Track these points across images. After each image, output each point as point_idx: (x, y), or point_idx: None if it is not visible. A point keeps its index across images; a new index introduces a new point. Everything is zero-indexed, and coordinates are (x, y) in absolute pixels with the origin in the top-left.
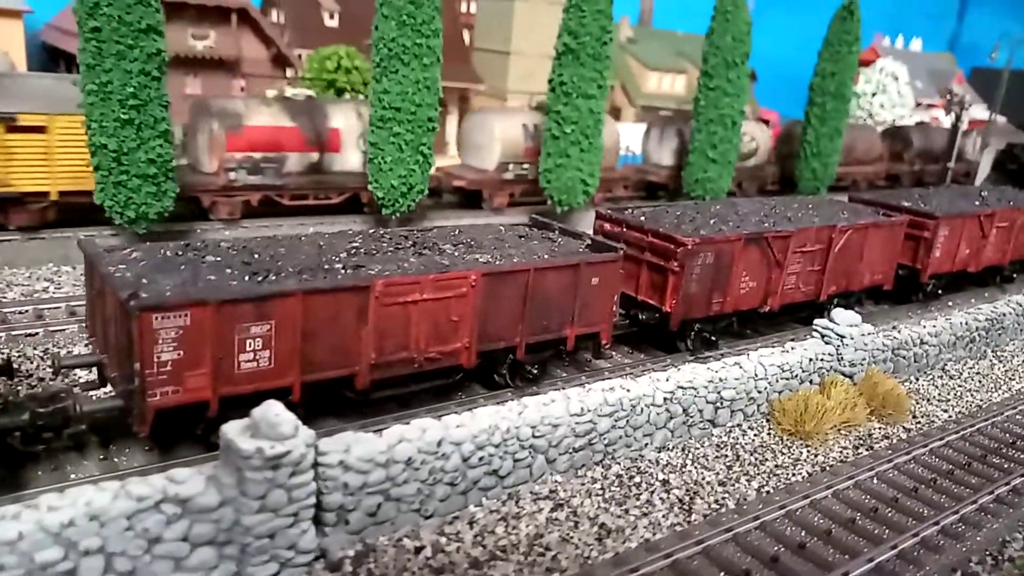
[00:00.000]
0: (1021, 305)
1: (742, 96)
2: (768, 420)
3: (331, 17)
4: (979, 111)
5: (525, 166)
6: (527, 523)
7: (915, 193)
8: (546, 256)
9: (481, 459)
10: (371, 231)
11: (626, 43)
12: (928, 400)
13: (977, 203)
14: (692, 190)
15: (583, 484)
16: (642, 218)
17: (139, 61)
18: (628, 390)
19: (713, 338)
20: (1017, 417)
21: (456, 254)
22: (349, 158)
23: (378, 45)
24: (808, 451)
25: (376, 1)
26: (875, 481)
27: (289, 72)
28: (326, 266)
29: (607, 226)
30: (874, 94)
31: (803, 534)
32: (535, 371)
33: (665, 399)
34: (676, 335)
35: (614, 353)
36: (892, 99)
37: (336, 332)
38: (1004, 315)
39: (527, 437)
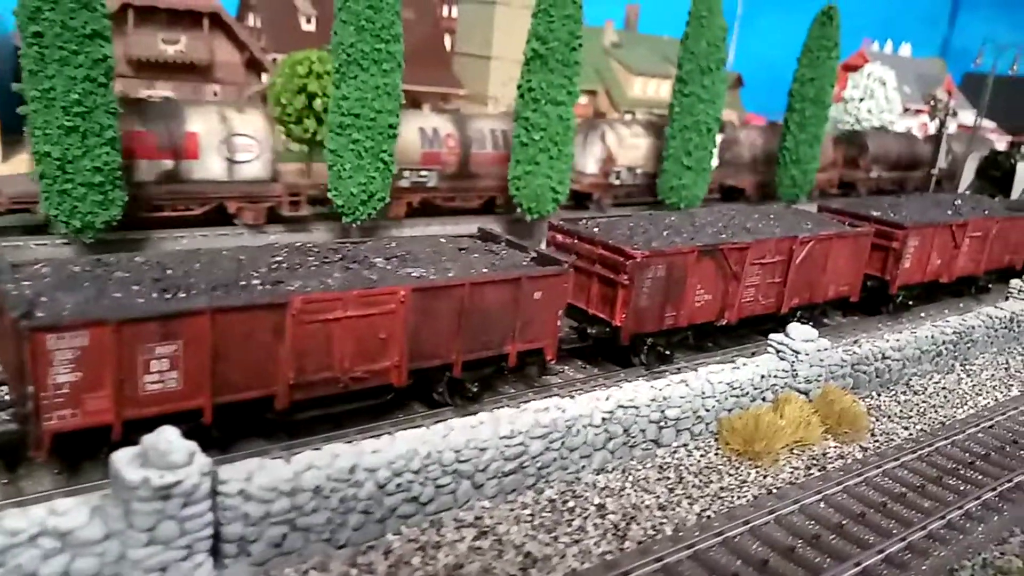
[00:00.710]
0: (992, 317)
1: (717, 102)
2: (716, 440)
3: (308, 21)
4: (969, 117)
5: (423, 173)
6: (447, 552)
7: (885, 202)
8: (484, 270)
9: (399, 486)
10: (298, 244)
11: (611, 48)
12: (889, 417)
13: (950, 212)
14: (667, 198)
15: (512, 510)
16: (595, 230)
17: (84, 67)
18: (563, 410)
19: (667, 352)
20: (979, 435)
21: (387, 268)
22: (210, 165)
23: (337, 51)
24: (757, 472)
25: (335, 6)
26: (822, 506)
27: (265, 77)
28: (243, 282)
29: (559, 238)
30: (861, 99)
31: (738, 563)
32: (475, 389)
33: (604, 419)
34: (629, 349)
35: (565, 368)
36: (880, 104)
37: (251, 351)
38: (973, 328)
39: (450, 462)
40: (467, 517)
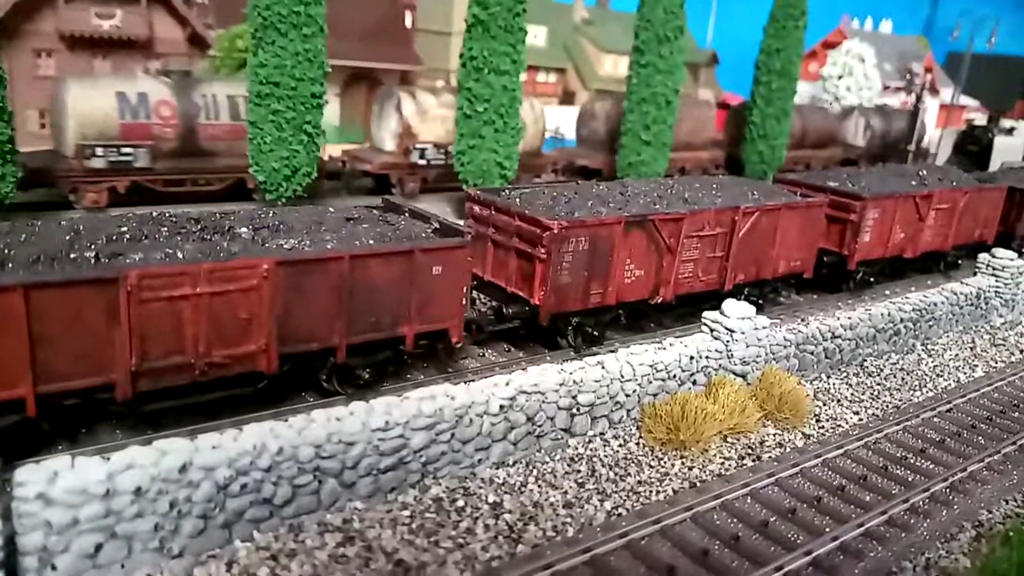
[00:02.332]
0: (956, 294)
1: (676, 73)
2: (639, 428)
3: None
4: (950, 95)
5: (126, 151)
6: (302, 562)
7: (844, 173)
8: (371, 242)
9: (245, 487)
10: (155, 214)
11: (581, 25)
12: (838, 401)
13: (914, 184)
14: (626, 175)
15: (389, 511)
16: (518, 200)
17: None
18: (452, 398)
19: (596, 333)
20: (935, 420)
21: (253, 240)
22: None
23: (253, 14)
24: (683, 464)
25: None
26: (748, 501)
27: (211, 53)
28: (72, 255)
29: (476, 209)
30: (840, 77)
31: (642, 571)
32: (367, 376)
33: (502, 407)
34: (555, 331)
35: (486, 352)
36: (859, 82)
37: (79, 334)
38: (935, 305)
39: (309, 459)
40: (334, 520)
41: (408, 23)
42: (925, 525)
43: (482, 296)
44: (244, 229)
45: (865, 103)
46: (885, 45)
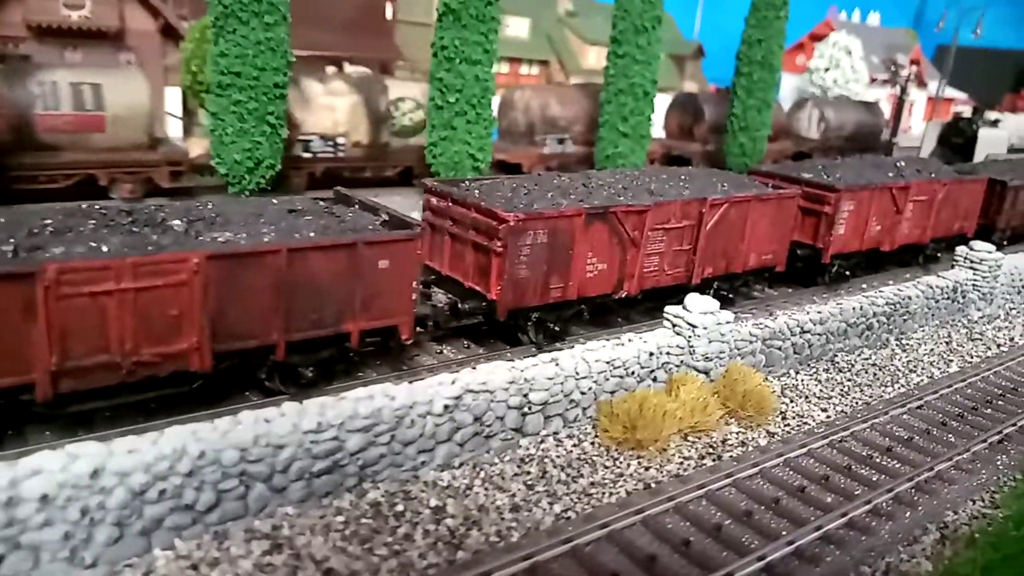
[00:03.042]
0: (932, 287)
1: (654, 64)
2: (595, 427)
3: None
4: (946, 91)
5: None
6: (225, 571)
7: (820, 164)
8: (312, 234)
9: (164, 492)
10: (84, 206)
11: (565, 16)
12: (806, 398)
13: (891, 175)
14: (603, 167)
15: (323, 517)
16: (476, 191)
17: None
18: (393, 398)
19: (557, 329)
20: (904, 417)
21: (187, 232)
22: None
23: (214, 1)
24: (639, 464)
25: None
26: (703, 503)
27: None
28: None
29: (433, 200)
30: (827, 69)
31: None
32: (310, 374)
33: (447, 407)
34: (513, 326)
35: (444, 348)
36: (845, 74)
37: None
38: (910, 299)
39: (234, 462)
40: (262, 527)
41: (389, 14)
42: (887, 528)
43: (440, 291)
44: (177, 221)
45: (852, 96)
46: (872, 37)
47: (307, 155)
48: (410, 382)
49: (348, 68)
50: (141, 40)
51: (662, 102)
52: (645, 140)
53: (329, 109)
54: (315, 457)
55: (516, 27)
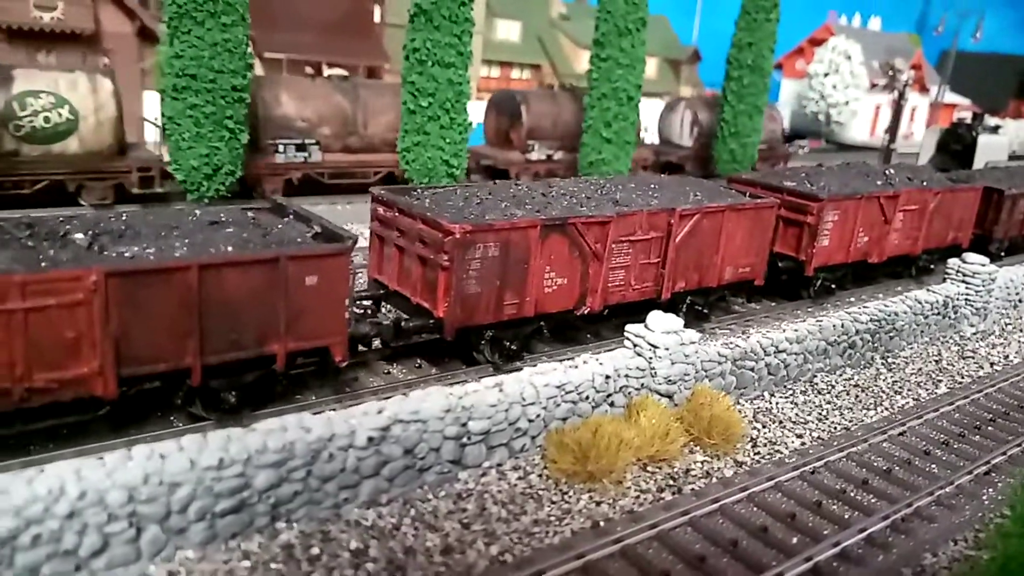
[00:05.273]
0: (921, 302)
1: (638, 67)
2: (544, 458)
3: None
4: (948, 96)
5: None
6: None
7: (803, 172)
8: (229, 248)
9: (39, 537)
10: None
11: (558, 20)
12: (780, 423)
13: (880, 183)
14: (587, 174)
15: (227, 561)
16: (427, 200)
17: None
18: (308, 430)
19: (514, 348)
20: (883, 445)
21: (90, 247)
22: None
23: (167, 1)
24: (590, 499)
25: None
26: (653, 545)
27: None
28: None
29: (380, 210)
30: (826, 74)
31: None
32: (232, 399)
33: (372, 439)
34: (465, 345)
35: (392, 368)
36: (845, 79)
37: None
38: (896, 315)
39: (121, 503)
40: (157, 573)
41: (376, 17)
42: (856, 573)
43: (388, 307)
44: (80, 235)
45: (852, 101)
46: (873, 42)
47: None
48: (348, 406)
49: None
50: (117, 42)
51: (649, 107)
52: (630, 146)
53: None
54: (218, 496)
55: (507, 30)
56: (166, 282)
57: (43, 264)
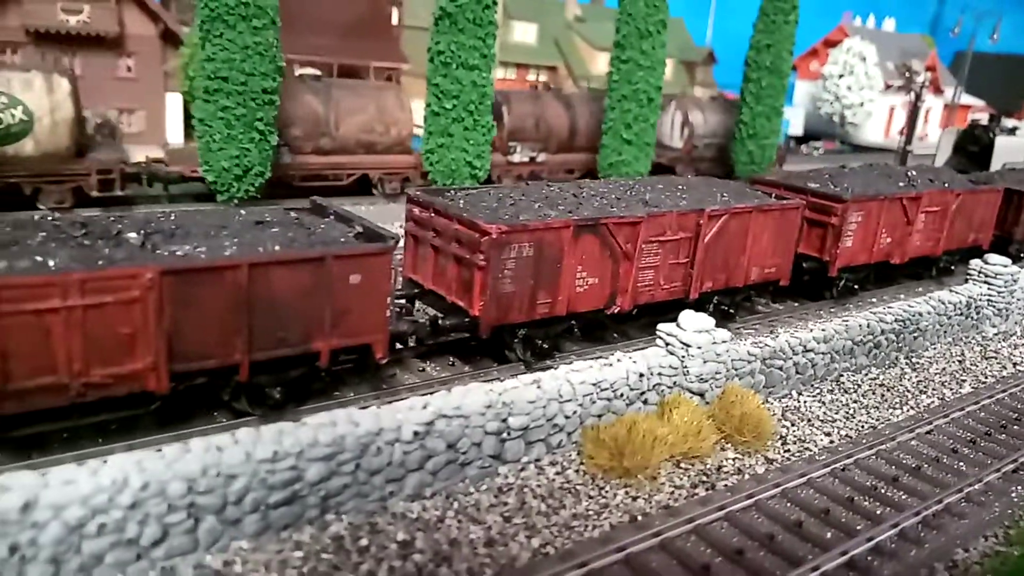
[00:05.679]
0: (944, 303)
1: (658, 69)
2: (580, 454)
3: None
4: (963, 98)
5: None
6: None
7: (827, 173)
8: (276, 248)
9: (104, 526)
10: (37, 217)
11: (573, 22)
12: (808, 421)
13: (902, 185)
14: (607, 175)
15: (280, 552)
16: (461, 201)
17: None
18: (357, 424)
19: (546, 346)
20: (912, 443)
21: (143, 246)
22: None
23: (200, 5)
24: (626, 494)
25: None
26: (691, 539)
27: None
28: None
29: (416, 211)
30: (841, 75)
31: None
32: (278, 395)
33: (417, 433)
34: (499, 343)
35: (426, 366)
36: (859, 81)
37: None
38: (920, 315)
39: (180, 494)
40: (213, 563)
41: (395, 19)
42: (890, 567)
43: (424, 306)
44: (133, 234)
45: (866, 102)
46: (887, 43)
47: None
48: (387, 403)
49: None
50: (141, 45)
51: None
52: (650, 147)
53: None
54: (272, 488)
55: (523, 32)
56: (217, 280)
57: (100, 262)
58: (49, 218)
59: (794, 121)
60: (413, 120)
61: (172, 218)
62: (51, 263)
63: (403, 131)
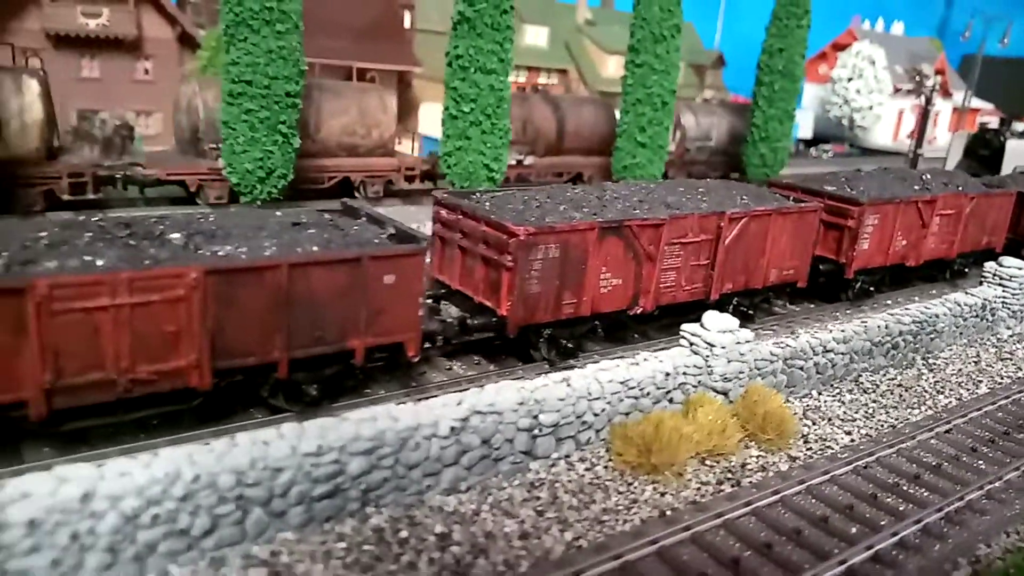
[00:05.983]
0: (960, 305)
1: (672, 73)
2: (609, 450)
3: None
4: (973, 102)
5: None
6: None
7: (843, 176)
8: (314, 248)
9: (158, 517)
10: (82, 217)
11: (584, 25)
12: (829, 420)
13: (917, 188)
14: (620, 178)
15: (323, 543)
16: (487, 204)
17: None
18: (396, 419)
19: (570, 346)
20: (931, 442)
21: (186, 246)
22: None
23: (225, 9)
24: (654, 490)
25: None
26: (720, 534)
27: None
28: None
29: (443, 212)
30: (850, 79)
31: None
32: (314, 392)
33: (453, 429)
34: (525, 343)
35: (454, 364)
36: (869, 84)
37: None
38: (937, 317)
39: (230, 486)
40: (261, 553)
41: (407, 23)
42: (915, 562)
43: (451, 305)
44: (176, 235)
45: (875, 105)
46: (896, 47)
47: None
48: (417, 400)
49: None
50: (158, 48)
51: None
52: (663, 151)
53: None
54: (315, 481)
55: (535, 36)
56: (259, 280)
57: (146, 262)
58: (94, 219)
59: (803, 124)
60: (396, 122)
61: (211, 219)
62: (99, 262)
63: (385, 133)
